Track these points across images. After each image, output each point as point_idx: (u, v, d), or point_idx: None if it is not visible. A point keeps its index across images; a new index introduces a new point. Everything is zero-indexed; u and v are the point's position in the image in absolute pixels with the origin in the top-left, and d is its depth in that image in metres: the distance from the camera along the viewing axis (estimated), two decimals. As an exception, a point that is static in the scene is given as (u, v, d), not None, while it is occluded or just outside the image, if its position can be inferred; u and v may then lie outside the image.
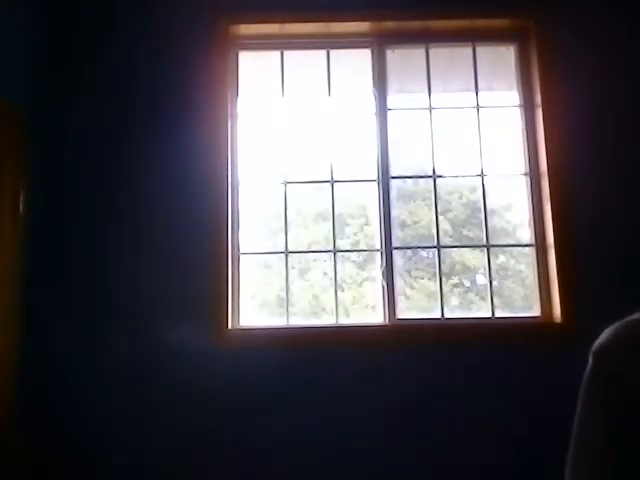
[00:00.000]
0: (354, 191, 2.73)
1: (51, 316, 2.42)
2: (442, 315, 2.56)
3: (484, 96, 2.75)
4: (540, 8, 2.63)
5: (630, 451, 0.63)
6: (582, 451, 0.68)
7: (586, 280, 2.43)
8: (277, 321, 2.57)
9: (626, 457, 0.63)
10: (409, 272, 2.65)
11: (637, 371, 0.66)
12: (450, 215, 2.72)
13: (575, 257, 2.46)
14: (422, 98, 2.75)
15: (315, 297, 2.67)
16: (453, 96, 2.79)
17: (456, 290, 2.66)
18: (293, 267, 2.66)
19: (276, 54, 2.76)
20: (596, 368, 0.70)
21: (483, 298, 2.62)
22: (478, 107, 2.73)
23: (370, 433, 2.36)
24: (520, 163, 2.69)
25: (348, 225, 2.71)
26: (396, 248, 2.61)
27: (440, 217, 2.66)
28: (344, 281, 2.65)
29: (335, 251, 2.63)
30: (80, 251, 2.48)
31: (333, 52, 2.76)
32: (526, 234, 2.66)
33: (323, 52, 2.76)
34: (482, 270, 2.65)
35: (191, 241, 2.47)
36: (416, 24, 2.70)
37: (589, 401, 0.69)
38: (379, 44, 2.73)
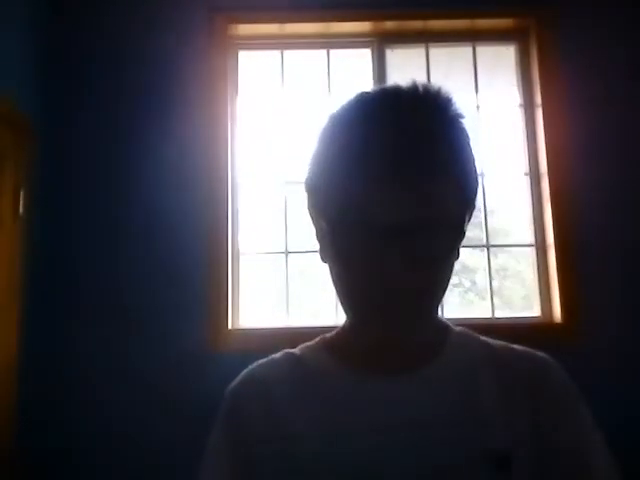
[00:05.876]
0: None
1: (51, 316, 2.41)
2: (442, 315, 2.56)
3: (484, 96, 2.74)
4: (541, 7, 2.63)
5: None
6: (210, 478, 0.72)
7: (586, 280, 2.43)
8: (277, 321, 2.57)
9: None
10: (409, 272, 2.65)
11: (261, 413, 0.72)
12: (450, 215, 2.71)
13: (575, 257, 2.45)
14: (422, 98, 2.74)
15: (315, 297, 2.67)
16: (453, 96, 2.78)
17: (456, 290, 2.66)
18: (293, 267, 2.66)
19: (276, 54, 2.76)
20: (228, 407, 0.75)
21: (483, 298, 2.62)
22: (478, 107, 2.73)
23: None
24: (520, 163, 2.69)
25: (348, 225, 2.70)
26: (396, 248, 2.60)
27: (440, 217, 2.65)
28: (344, 281, 2.65)
29: (335, 251, 2.62)
30: (80, 251, 2.48)
31: (333, 52, 2.75)
32: (526, 234, 2.65)
33: (323, 52, 2.76)
34: (482, 270, 2.65)
35: (191, 241, 2.46)
36: (416, 24, 2.69)
37: (220, 436, 0.74)
38: (379, 44, 2.73)
